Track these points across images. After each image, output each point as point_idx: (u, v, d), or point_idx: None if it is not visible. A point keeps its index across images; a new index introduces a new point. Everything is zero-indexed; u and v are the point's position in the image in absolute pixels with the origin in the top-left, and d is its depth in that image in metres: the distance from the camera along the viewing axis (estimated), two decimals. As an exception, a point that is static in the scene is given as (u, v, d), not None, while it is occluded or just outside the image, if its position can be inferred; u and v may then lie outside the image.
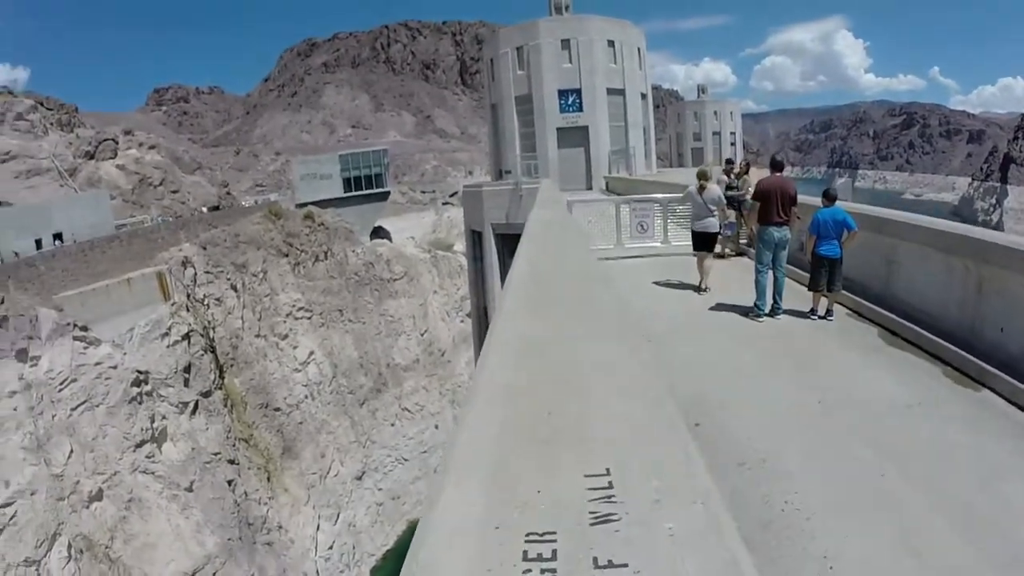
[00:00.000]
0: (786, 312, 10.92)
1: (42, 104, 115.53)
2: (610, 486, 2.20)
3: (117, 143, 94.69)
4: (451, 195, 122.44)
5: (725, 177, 17.52)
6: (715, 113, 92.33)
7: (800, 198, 11.50)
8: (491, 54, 48.05)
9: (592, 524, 2.01)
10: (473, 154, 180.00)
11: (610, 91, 44.10)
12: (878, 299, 10.93)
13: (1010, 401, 7.34)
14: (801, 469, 5.93)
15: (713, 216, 13.15)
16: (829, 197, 10.78)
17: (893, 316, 10.10)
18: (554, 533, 1.99)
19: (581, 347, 3.82)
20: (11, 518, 35.20)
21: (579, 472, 2.27)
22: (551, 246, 9.20)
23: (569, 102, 43.84)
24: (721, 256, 15.47)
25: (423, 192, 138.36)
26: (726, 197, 15.66)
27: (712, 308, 11.76)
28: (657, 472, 2.28)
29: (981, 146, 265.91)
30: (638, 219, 17.20)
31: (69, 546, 36.22)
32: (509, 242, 31.84)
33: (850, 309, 11.28)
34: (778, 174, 11.43)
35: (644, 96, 46.86)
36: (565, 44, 43.35)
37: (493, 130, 49.77)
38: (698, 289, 12.95)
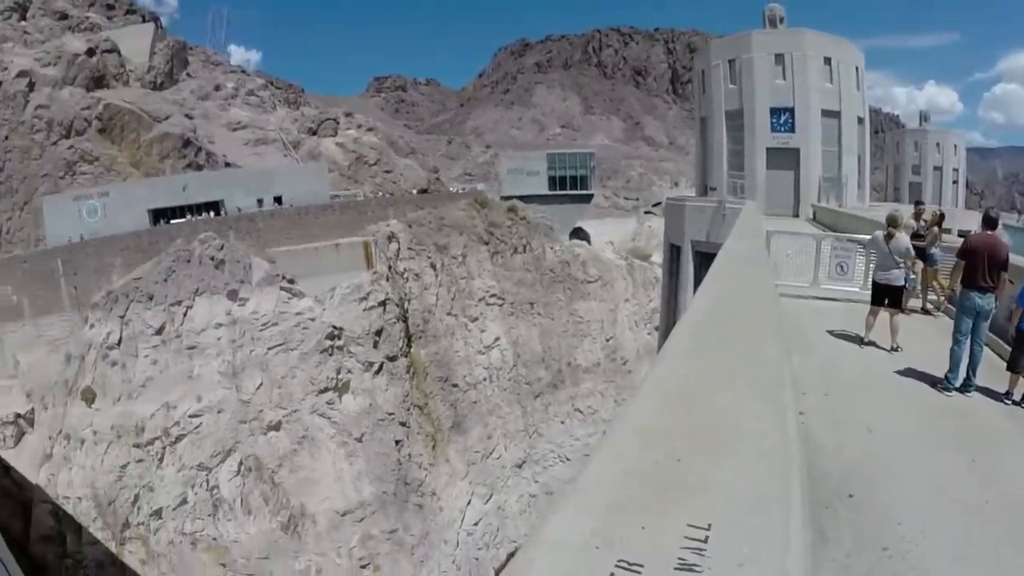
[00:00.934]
0: (979, 390, 9.38)
1: (272, 83, 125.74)
2: (705, 541, 2.34)
3: (338, 123, 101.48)
4: (654, 205, 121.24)
5: (913, 222, 15.91)
6: (937, 145, 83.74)
7: (1013, 258, 10.04)
8: (702, 65, 46.64)
9: (676, 569, 2.22)
10: (680, 165, 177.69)
11: (824, 113, 41.34)
12: None
13: None
14: (945, 573, 5.26)
15: (899, 268, 11.77)
16: None
17: None
18: (641, 567, 2.22)
19: (730, 400, 3.82)
20: (196, 428, 40.85)
21: (683, 520, 2.40)
22: (734, 286, 8.80)
23: (781, 121, 41.36)
24: (906, 312, 13.84)
25: (626, 198, 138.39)
26: (918, 244, 14.55)
27: (899, 371, 10.35)
28: (752, 540, 2.39)
29: None
30: (838, 259, 15.69)
31: (240, 463, 41.19)
32: (707, 261, 30.47)
33: None
34: (990, 231, 9.76)
35: (861, 120, 43.48)
36: (779, 59, 41.24)
37: (701, 144, 48.00)
38: (872, 344, 11.69)
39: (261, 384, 42.73)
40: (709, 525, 2.40)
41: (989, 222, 9.89)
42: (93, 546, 39.35)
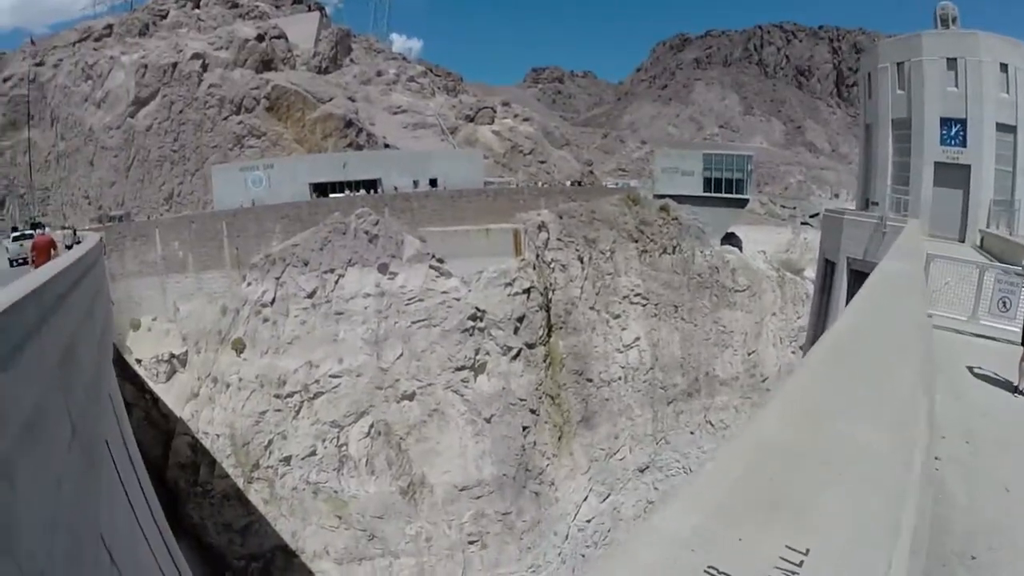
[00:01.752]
0: None
1: (431, 71, 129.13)
2: (800, 565, 2.35)
3: (495, 112, 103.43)
4: (812, 216, 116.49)
5: None
6: None
7: None
8: (868, 68, 43.99)
9: (765, 585, 2.26)
10: (842, 175, 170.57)
11: (1000, 127, 37.62)
12: None
13: None
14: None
15: None
16: None
17: None
18: (730, 576, 2.29)
19: (854, 427, 3.73)
20: (334, 387, 43.96)
21: (783, 541, 2.42)
22: (884, 310, 8.31)
23: (952, 134, 38.08)
24: None
25: (783, 207, 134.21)
26: None
27: None
28: (849, 569, 2.38)
29: None
30: (1002, 293, 14.02)
31: (371, 426, 43.96)
32: (861, 280, 28.38)
33: None
34: None
35: None
36: (951, 64, 38.10)
37: (864, 154, 45.09)
38: (1018, 391, 10.27)
39: (401, 355, 44.80)
40: (807, 550, 2.42)
41: None
42: (223, 479, 43.52)
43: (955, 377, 10.66)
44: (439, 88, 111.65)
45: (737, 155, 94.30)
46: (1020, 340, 10.51)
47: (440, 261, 48.12)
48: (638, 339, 58.58)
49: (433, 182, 67.42)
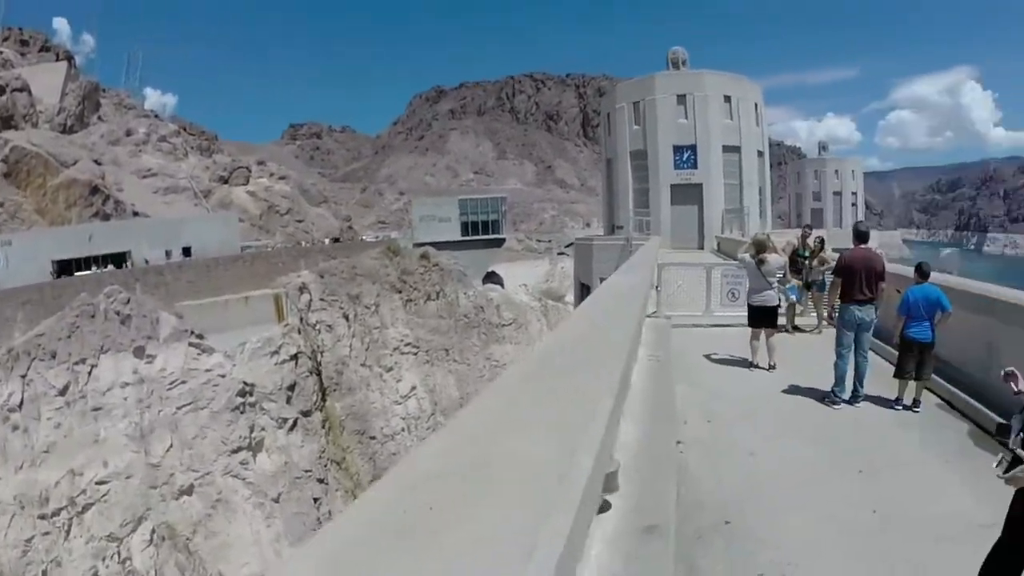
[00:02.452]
0: (868, 399, 9.62)
1: (185, 129, 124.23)
2: None
3: (250, 171, 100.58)
4: (566, 246, 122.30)
5: (794, 241, 16.72)
6: (836, 172, 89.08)
7: (892, 268, 10.57)
8: (608, 108, 48.12)
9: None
10: (591, 206, 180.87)
11: (725, 148, 43.33)
12: (975, 390, 9.41)
13: None
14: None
15: (772, 289, 12.07)
16: (922, 273, 9.73)
17: (989, 412, 8.56)
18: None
19: (523, 442, 3.43)
20: (103, 496, 38.49)
21: (420, 570, 2.19)
22: (595, 324, 8.03)
23: (684, 158, 43.15)
24: (788, 330, 14.90)
25: (539, 241, 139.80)
26: (798, 261, 15.68)
27: (786, 390, 10.39)
28: None
29: None
30: (730, 286, 15.98)
31: (152, 531, 38.93)
32: None
33: (942, 399, 9.86)
34: (863, 246, 10.25)
35: (760, 154, 45.90)
36: (681, 99, 42.96)
37: (607, 184, 49.39)
38: (758, 367, 11.79)
39: (171, 446, 40.74)
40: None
41: (860, 236, 10.32)
42: (1, 629, 37.03)
43: (695, 367, 11.74)
44: (192, 148, 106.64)
45: (491, 198, 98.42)
46: (747, 323, 12.18)
47: (200, 337, 44.58)
48: (414, 388, 58.48)
49: (187, 251, 63.91)
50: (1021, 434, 4.50)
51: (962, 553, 5.19)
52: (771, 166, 49.75)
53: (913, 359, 9.44)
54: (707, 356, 12.52)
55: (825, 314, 15.25)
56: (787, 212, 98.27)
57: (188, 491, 40.43)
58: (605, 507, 3.74)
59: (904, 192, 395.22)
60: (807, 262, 15.93)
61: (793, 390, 10.35)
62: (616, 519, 3.68)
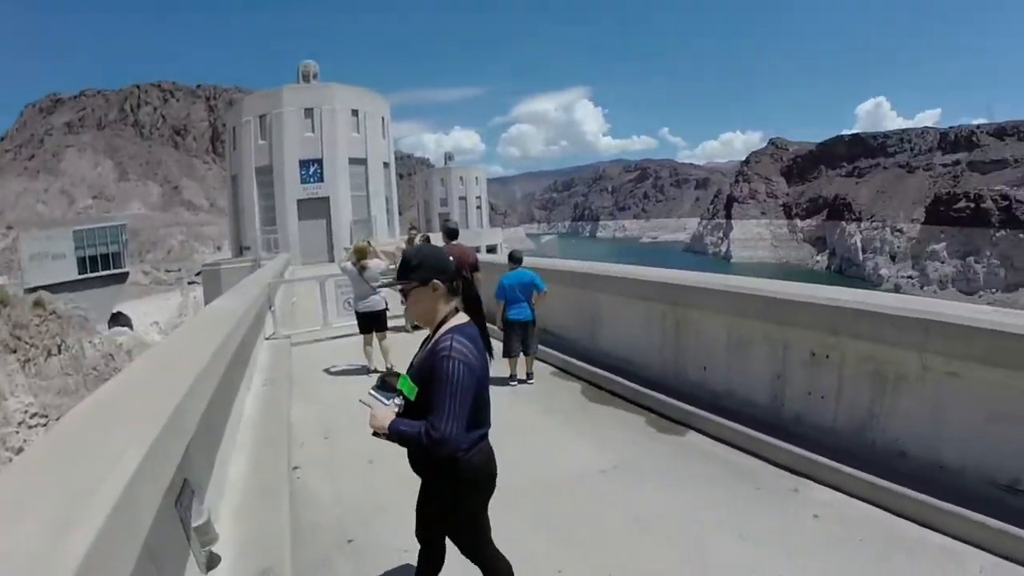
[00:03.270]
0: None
1: None
2: None
3: None
4: (197, 273, 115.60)
5: (402, 244, 16.97)
6: (461, 179, 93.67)
7: (484, 257, 11.33)
8: (234, 122, 46.30)
9: None
10: (223, 227, 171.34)
11: (352, 160, 43.37)
12: (585, 355, 10.74)
13: (715, 438, 7.25)
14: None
15: (377, 294, 11.96)
16: (514, 259, 10.63)
17: (599, 371, 9.90)
18: None
19: None
20: None
21: None
22: (184, 352, 7.20)
23: (310, 172, 42.61)
24: (408, 330, 14.79)
25: (168, 271, 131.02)
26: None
27: None
28: None
29: (707, 191, 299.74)
30: (346, 296, 15.64)
31: None
32: None
33: (557, 368, 10.96)
34: (453, 242, 11.02)
35: (387, 165, 46.35)
36: (308, 113, 42.38)
37: (233, 204, 47.55)
38: (376, 372, 11.57)
39: None
40: None
41: (450, 234, 11.34)
42: None
43: (314, 383, 11.46)
44: None
45: (110, 226, 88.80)
46: (358, 330, 12.12)
47: None
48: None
49: None
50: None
51: (591, 490, 6.26)
52: (402, 176, 50.75)
53: (518, 338, 10.20)
54: (327, 370, 12.27)
55: None
56: (417, 218, 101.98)
57: None
58: (214, 561, 3.62)
59: (525, 194, 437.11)
60: None
61: (411, 388, 10.19)
62: (227, 571, 3.59)
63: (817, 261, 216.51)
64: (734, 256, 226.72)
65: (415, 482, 6.18)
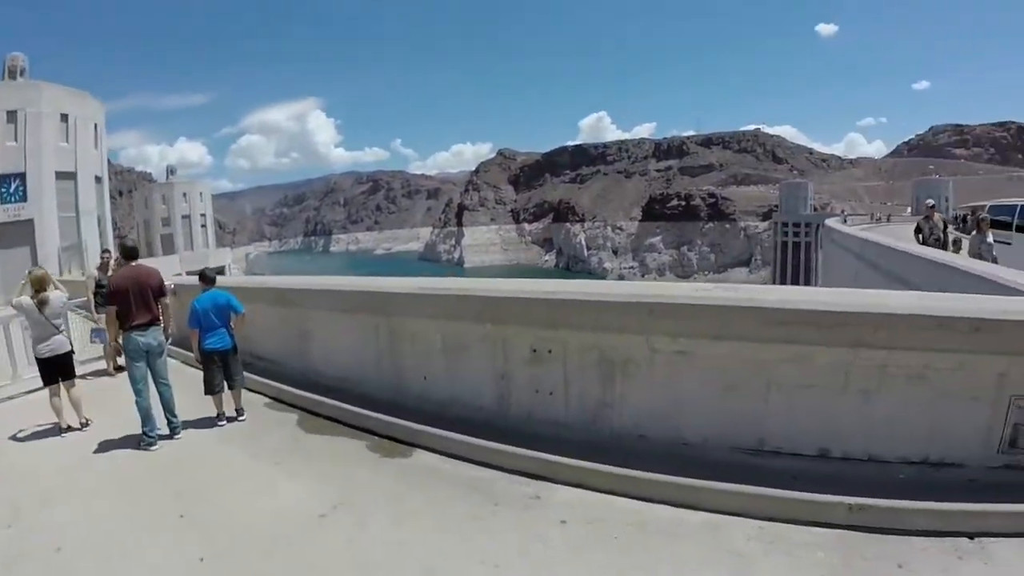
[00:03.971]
0: (190, 425, 8.80)
1: None
2: None
3: None
4: None
5: (95, 272, 14.49)
6: (184, 195, 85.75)
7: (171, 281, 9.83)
8: None
9: None
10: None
11: (60, 175, 36.58)
12: (301, 379, 9.80)
13: (445, 453, 6.83)
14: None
15: (61, 333, 9.65)
16: (207, 279, 9.36)
17: (315, 396, 9.01)
18: None
19: None
20: None
21: None
22: None
23: (12, 190, 34.76)
24: (111, 372, 12.74)
25: None
26: (101, 293, 12.90)
27: (97, 450, 8.45)
28: None
29: (439, 200, 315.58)
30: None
31: None
32: None
33: (271, 398, 9.77)
34: (133, 263, 9.02)
35: (99, 179, 40.32)
36: (12, 116, 34.93)
37: None
38: (72, 428, 9.42)
39: None
40: None
41: (128, 254, 9.23)
42: None
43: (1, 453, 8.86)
44: None
45: None
46: (42, 380, 9.62)
47: None
48: None
49: None
50: None
51: (310, 541, 5.42)
52: (122, 193, 45.00)
53: (219, 370, 8.98)
54: (14, 436, 9.39)
55: (112, 350, 12.57)
56: (138, 240, 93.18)
57: None
58: None
59: (255, 209, 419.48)
60: (105, 280, 13.02)
61: (109, 444, 8.58)
62: None
63: (546, 260, 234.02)
64: (467, 262, 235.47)
65: (113, 537, 5.78)
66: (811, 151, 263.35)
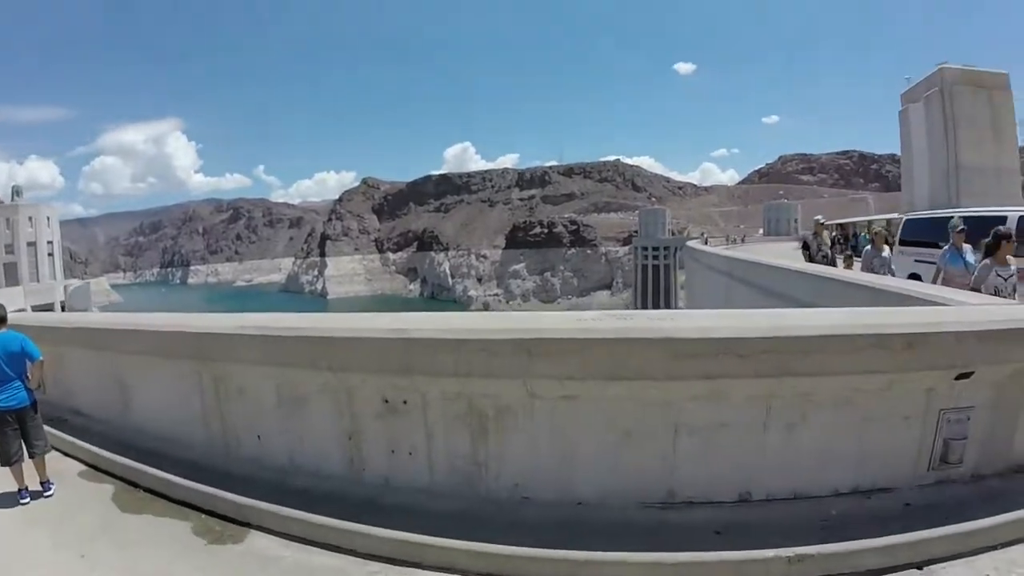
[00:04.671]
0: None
1: None
2: None
3: None
4: None
5: None
6: (30, 219, 77.90)
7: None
8: None
9: None
10: None
11: None
12: (119, 439, 7.80)
13: (285, 535, 5.36)
14: None
15: None
16: None
17: (133, 463, 7.07)
18: None
19: None
20: None
21: None
22: None
23: None
24: None
25: None
26: None
27: None
28: None
29: (301, 230, 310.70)
30: None
31: None
32: None
33: (87, 464, 7.73)
34: None
35: None
36: None
37: None
38: None
39: None
40: None
41: None
42: None
43: None
44: None
45: None
46: None
47: None
48: None
49: None
50: None
51: None
52: None
53: (15, 434, 6.96)
54: None
55: None
56: None
57: None
58: None
59: (109, 238, 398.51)
60: None
61: None
62: None
63: (411, 290, 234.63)
64: (330, 292, 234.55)
65: None
66: (668, 180, 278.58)
